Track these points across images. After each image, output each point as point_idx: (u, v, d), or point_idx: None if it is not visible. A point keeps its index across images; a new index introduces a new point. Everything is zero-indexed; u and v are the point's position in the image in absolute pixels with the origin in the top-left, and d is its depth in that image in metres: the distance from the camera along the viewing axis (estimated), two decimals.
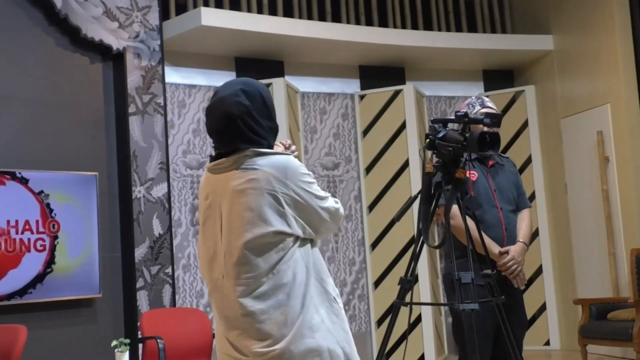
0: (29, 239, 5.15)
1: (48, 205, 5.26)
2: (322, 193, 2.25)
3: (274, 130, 2.27)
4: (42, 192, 5.25)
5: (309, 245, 2.25)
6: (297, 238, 2.20)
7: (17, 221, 5.12)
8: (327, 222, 2.27)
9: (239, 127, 2.20)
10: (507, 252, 3.47)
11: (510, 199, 3.60)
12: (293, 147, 2.41)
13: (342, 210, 2.32)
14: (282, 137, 6.40)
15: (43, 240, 5.22)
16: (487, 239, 3.36)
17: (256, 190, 2.16)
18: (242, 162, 2.19)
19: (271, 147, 2.25)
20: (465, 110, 3.33)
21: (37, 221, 5.20)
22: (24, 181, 5.18)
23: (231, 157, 2.21)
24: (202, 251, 2.33)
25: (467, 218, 3.30)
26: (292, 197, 2.18)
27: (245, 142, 2.20)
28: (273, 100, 2.32)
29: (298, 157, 2.33)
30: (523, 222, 3.61)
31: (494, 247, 3.42)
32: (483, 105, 3.56)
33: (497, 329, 3.38)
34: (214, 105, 2.26)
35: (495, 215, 3.50)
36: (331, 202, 2.27)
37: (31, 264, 5.16)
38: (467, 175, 3.38)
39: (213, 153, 2.31)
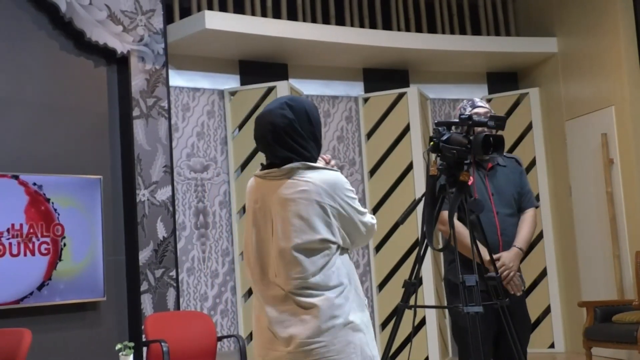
0: (33, 243, 5.16)
1: (52, 208, 5.27)
2: (362, 209, 2.48)
3: (317, 145, 2.47)
4: (46, 195, 5.25)
5: (347, 254, 2.48)
6: (339, 247, 2.42)
7: (21, 225, 5.13)
8: (363, 235, 2.49)
9: (282, 138, 2.40)
10: (498, 259, 3.43)
11: (510, 201, 3.57)
12: (333, 162, 2.58)
13: (375, 226, 2.54)
14: None
15: (47, 243, 5.22)
16: (480, 246, 3.31)
17: (307, 201, 2.37)
18: (293, 173, 2.40)
19: (315, 161, 2.44)
20: (468, 113, 3.33)
21: (41, 225, 5.21)
22: (27, 185, 5.19)
23: (284, 168, 2.41)
24: (251, 250, 2.51)
25: (461, 224, 3.31)
26: (337, 209, 2.39)
27: (292, 153, 2.41)
28: (320, 118, 2.51)
29: (336, 168, 2.56)
30: (523, 224, 3.57)
31: (485, 254, 3.34)
32: (473, 106, 3.56)
33: (498, 332, 3.37)
34: (261, 115, 2.48)
35: (491, 220, 3.47)
36: (368, 218, 2.49)
37: (35, 268, 5.16)
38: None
39: (264, 162, 2.50)
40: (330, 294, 2.37)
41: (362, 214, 2.47)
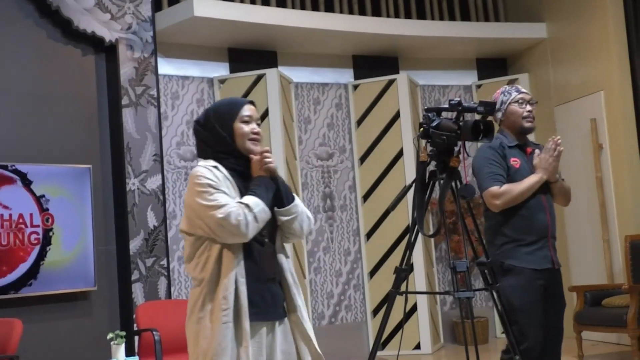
0: (23, 233, 5.14)
1: (42, 198, 5.24)
2: (212, 202, 2.45)
3: (217, 139, 2.58)
4: (35, 185, 5.23)
5: (218, 247, 2.48)
6: (203, 238, 2.49)
7: (10, 215, 5.11)
8: (213, 229, 2.45)
9: (196, 139, 2.70)
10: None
11: (547, 186, 3.59)
12: (264, 155, 2.58)
13: (231, 220, 2.42)
14: (276, 128, 6.40)
15: (37, 233, 5.20)
16: (526, 181, 3.43)
17: None
18: None
19: (214, 153, 2.58)
20: (496, 99, 3.50)
21: (31, 214, 5.18)
22: (17, 174, 5.16)
23: None
24: None
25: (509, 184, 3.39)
26: (186, 199, 2.54)
27: (198, 149, 2.69)
28: (231, 108, 2.62)
29: (266, 161, 2.54)
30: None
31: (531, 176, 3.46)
32: (519, 91, 3.59)
33: (544, 302, 3.40)
34: None
35: (540, 202, 3.49)
36: (217, 212, 2.43)
37: (25, 258, 5.14)
38: (510, 162, 3.45)
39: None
40: (193, 285, 2.54)
41: (209, 207, 2.43)
